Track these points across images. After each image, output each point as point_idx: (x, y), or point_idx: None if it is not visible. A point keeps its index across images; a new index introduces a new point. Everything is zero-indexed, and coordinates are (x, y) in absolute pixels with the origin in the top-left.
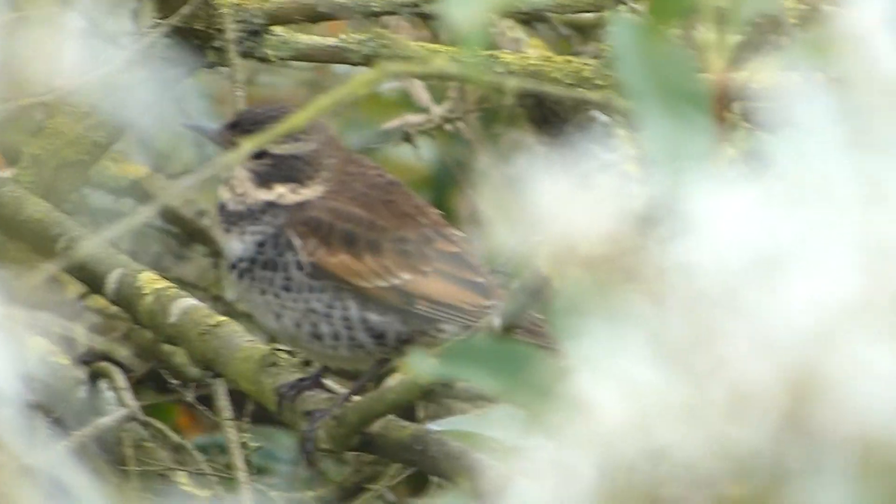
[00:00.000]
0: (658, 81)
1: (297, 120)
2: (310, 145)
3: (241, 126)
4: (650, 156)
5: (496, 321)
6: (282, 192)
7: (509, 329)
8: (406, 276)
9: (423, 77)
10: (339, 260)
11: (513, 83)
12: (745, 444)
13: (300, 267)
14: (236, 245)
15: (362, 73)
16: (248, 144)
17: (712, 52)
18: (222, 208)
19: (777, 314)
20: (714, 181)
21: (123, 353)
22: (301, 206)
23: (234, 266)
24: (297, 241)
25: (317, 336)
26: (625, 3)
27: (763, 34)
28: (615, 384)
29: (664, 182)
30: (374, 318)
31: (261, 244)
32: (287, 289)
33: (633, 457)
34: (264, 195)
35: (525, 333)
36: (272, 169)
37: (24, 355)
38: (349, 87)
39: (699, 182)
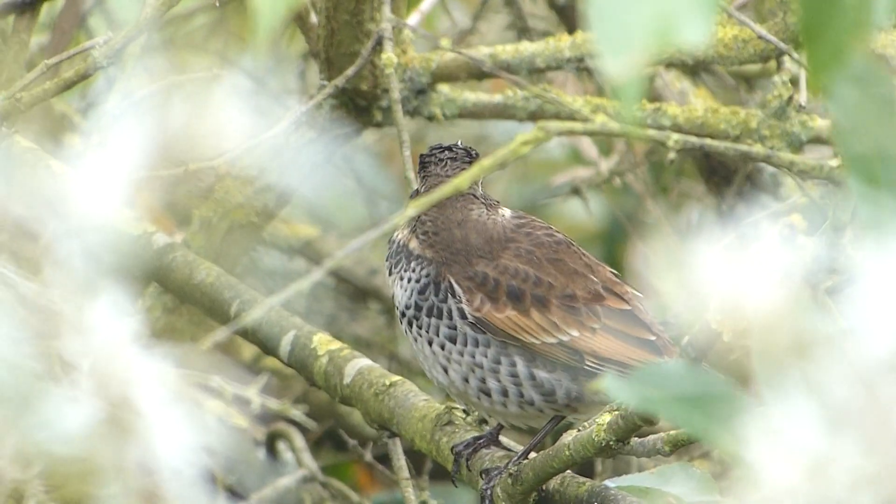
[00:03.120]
0: (874, 141)
1: (460, 181)
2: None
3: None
4: (860, 219)
5: None
6: (408, 236)
7: None
8: (574, 332)
9: (585, 134)
10: (506, 315)
11: (674, 138)
12: None
13: (463, 315)
14: (398, 291)
15: (523, 133)
16: (436, 194)
17: None
18: (390, 243)
19: None
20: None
21: (300, 414)
22: (459, 254)
23: (403, 315)
24: (458, 289)
25: (485, 392)
26: (789, 55)
27: None
28: (789, 451)
29: (838, 241)
30: (542, 374)
31: (422, 291)
32: (452, 340)
33: None
34: (403, 234)
35: None
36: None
37: (201, 422)
38: (510, 147)
39: (879, 244)
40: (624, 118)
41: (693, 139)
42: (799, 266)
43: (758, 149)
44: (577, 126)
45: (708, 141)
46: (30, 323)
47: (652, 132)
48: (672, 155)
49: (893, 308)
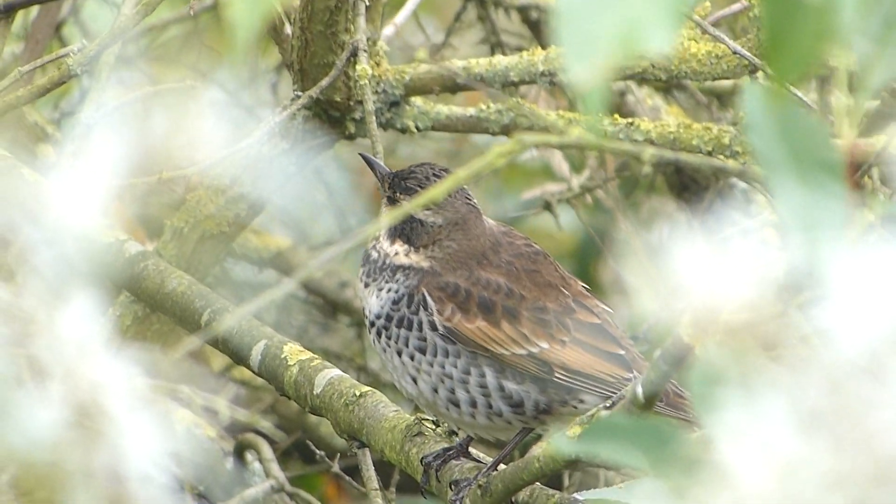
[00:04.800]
0: (791, 150)
1: (435, 192)
2: (437, 218)
3: (407, 181)
4: (784, 224)
5: (638, 391)
6: (397, 251)
7: (651, 399)
8: (543, 344)
9: (561, 147)
10: (476, 326)
11: (649, 152)
12: None
13: (433, 327)
14: (373, 301)
15: (499, 145)
16: (404, 208)
17: (844, 117)
18: (366, 258)
19: None
20: (852, 248)
21: (269, 424)
22: (434, 270)
23: (372, 324)
24: (431, 302)
25: (454, 402)
26: (763, 70)
27: None
28: (759, 453)
29: (802, 249)
30: (511, 385)
31: (395, 301)
32: (422, 350)
33: None
34: (388, 248)
35: (667, 406)
36: (400, 225)
37: (170, 430)
38: (486, 159)
39: (837, 249)
40: (601, 133)
41: (668, 153)
42: (772, 280)
43: (732, 164)
44: (553, 138)
45: (683, 155)
46: (1, 329)
47: (627, 146)
48: (647, 168)
49: (864, 311)
